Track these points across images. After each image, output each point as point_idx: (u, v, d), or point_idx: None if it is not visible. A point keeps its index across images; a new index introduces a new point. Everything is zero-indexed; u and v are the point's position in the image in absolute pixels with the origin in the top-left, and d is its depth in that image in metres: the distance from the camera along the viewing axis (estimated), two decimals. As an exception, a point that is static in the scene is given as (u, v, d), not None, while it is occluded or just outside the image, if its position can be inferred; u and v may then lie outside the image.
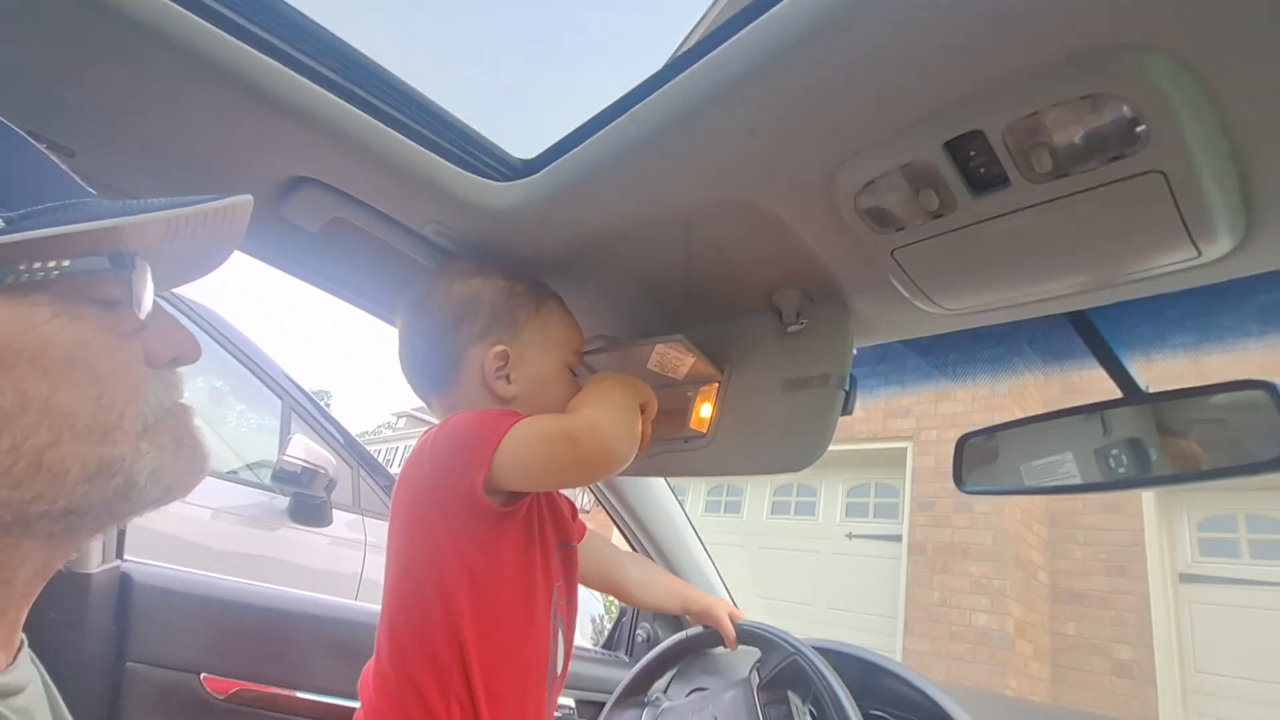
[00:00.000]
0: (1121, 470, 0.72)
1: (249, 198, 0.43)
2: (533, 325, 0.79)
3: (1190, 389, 0.68)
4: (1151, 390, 0.72)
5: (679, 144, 0.59)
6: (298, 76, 0.61)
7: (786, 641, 0.97)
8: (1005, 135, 0.47)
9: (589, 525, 0.99)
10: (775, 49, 0.48)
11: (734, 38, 0.51)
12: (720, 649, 1.14)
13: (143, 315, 0.41)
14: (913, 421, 5.57)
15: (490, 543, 0.71)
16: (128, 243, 0.40)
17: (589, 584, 1.05)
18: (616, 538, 1.42)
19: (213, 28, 0.57)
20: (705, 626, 1.12)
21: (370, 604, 1.17)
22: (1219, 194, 0.46)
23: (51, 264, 0.37)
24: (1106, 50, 0.41)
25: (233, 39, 0.58)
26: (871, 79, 0.48)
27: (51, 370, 0.37)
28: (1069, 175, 0.48)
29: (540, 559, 0.76)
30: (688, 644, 1.13)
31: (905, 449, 5.57)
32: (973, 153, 0.50)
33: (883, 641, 5.09)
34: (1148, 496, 4.71)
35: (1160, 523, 4.68)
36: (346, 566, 2.58)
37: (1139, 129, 0.43)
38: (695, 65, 0.54)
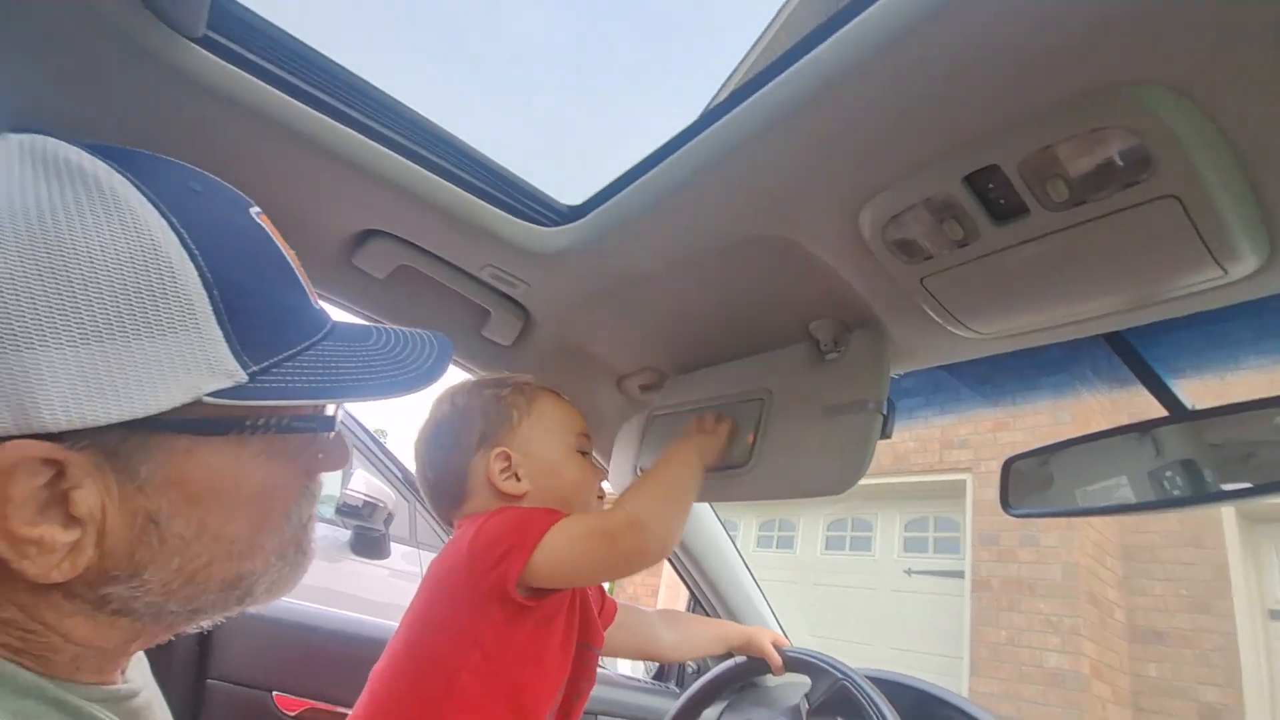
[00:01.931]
0: (1174, 489, 0.72)
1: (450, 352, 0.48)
2: (528, 421, 0.83)
3: (1237, 404, 0.67)
4: (1198, 408, 0.71)
5: (716, 186, 0.64)
6: (367, 140, 0.69)
7: (834, 667, 0.96)
8: (1020, 168, 0.50)
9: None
10: (804, 95, 0.53)
11: (766, 86, 0.56)
12: (771, 679, 1.14)
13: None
14: (971, 452, 5.39)
15: (505, 623, 0.71)
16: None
17: (624, 655, 1.05)
18: (668, 572, 1.44)
19: (294, 101, 0.65)
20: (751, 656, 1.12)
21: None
22: (1236, 215, 0.48)
23: (272, 422, 0.40)
24: (1110, 87, 0.44)
25: (310, 109, 0.66)
26: (893, 120, 0.52)
27: (233, 506, 0.40)
28: (1086, 203, 0.50)
29: (557, 654, 0.76)
30: (735, 672, 1.13)
31: (964, 481, 5.38)
32: (991, 185, 0.53)
33: (948, 683, 4.82)
34: (1230, 529, 4.41)
35: (1246, 556, 4.37)
36: (403, 599, 2.64)
37: (1148, 158, 0.46)
38: (730, 113, 0.59)
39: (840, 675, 0.94)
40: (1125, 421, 0.76)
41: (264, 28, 0.63)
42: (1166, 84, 0.43)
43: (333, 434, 0.45)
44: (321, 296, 0.96)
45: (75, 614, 0.37)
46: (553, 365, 1.02)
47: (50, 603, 0.36)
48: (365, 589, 2.56)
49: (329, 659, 1.16)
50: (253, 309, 0.39)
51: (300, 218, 0.78)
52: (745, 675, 1.13)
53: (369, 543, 2.51)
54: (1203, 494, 0.69)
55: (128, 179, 0.36)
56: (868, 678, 0.95)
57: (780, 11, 5.96)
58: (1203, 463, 0.70)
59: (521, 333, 0.96)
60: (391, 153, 0.70)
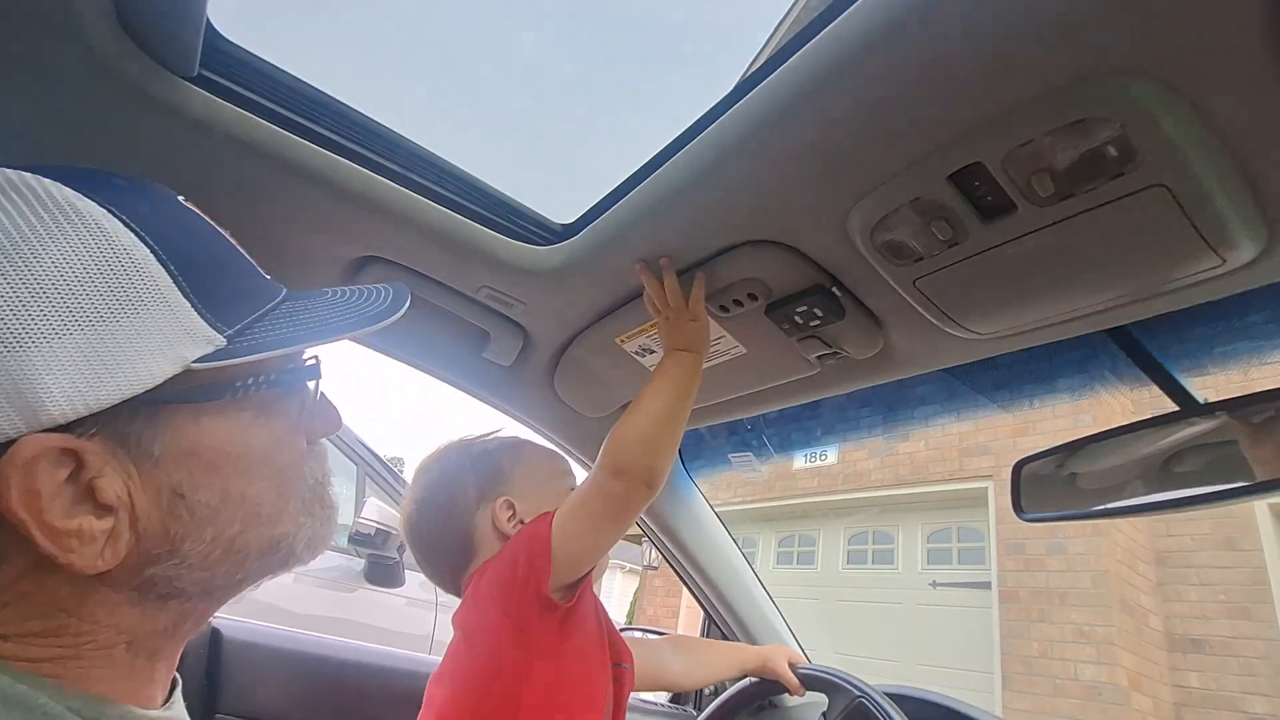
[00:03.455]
0: (1191, 485, 0.70)
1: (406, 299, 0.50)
2: (519, 469, 0.85)
3: (1250, 396, 0.65)
4: (1210, 401, 0.69)
5: (707, 195, 0.64)
6: (360, 169, 0.70)
7: (852, 684, 0.94)
8: (1004, 164, 0.50)
9: (657, 583, 0.99)
10: (785, 102, 0.53)
11: (749, 94, 0.56)
12: (788, 698, 1.12)
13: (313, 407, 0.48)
14: (991, 459, 5.30)
15: (553, 630, 0.73)
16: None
17: (637, 689, 1.03)
18: (686, 596, 1.41)
19: (288, 134, 0.66)
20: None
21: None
22: (1228, 202, 0.47)
23: (260, 379, 0.42)
24: (1088, 79, 0.44)
25: (304, 141, 0.67)
26: (874, 123, 0.52)
27: (250, 469, 0.42)
28: (1073, 196, 0.50)
29: (598, 672, 0.78)
30: (750, 693, 1.11)
31: (985, 489, 5.29)
32: (977, 183, 0.52)
33: (980, 699, 4.70)
34: (1266, 529, 4.28)
35: (1284, 558, 4.23)
36: (420, 628, 2.63)
37: (1132, 148, 0.45)
38: (715, 123, 0.60)
39: (858, 693, 0.92)
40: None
41: (255, 63, 0.65)
42: (1145, 73, 0.42)
43: (318, 391, 0.48)
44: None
45: (123, 603, 0.39)
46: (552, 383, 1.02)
47: (99, 598, 0.38)
48: (381, 618, 2.55)
49: (339, 689, 1.15)
50: (212, 279, 0.41)
51: (298, 247, 0.79)
52: (761, 695, 1.11)
53: (383, 571, 2.50)
54: (1221, 490, 0.67)
55: (66, 186, 0.39)
56: (887, 694, 0.93)
57: (776, 30, 6.03)
58: (1218, 458, 0.68)
59: (521, 352, 0.96)
60: (385, 180, 0.72)
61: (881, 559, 6.03)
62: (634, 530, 1.00)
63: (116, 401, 0.36)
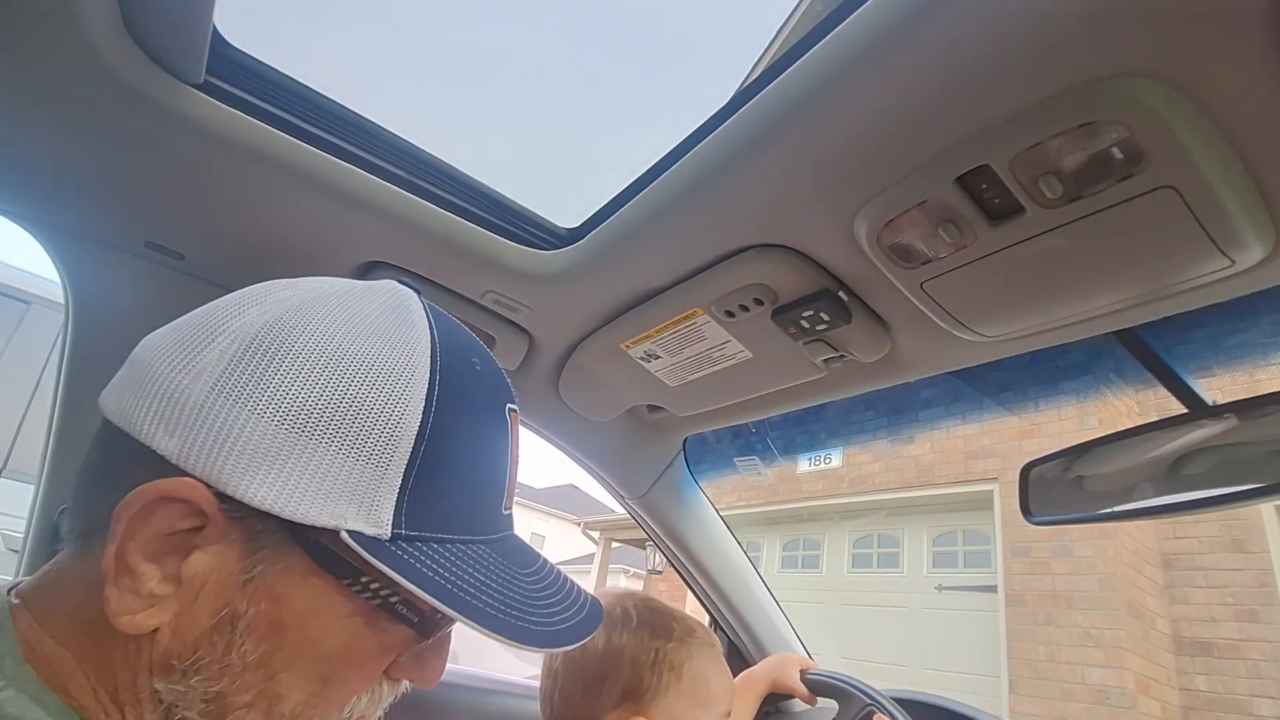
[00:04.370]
0: (1199, 488, 0.69)
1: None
2: (676, 688, 0.75)
3: (1257, 398, 0.65)
4: (1219, 403, 0.69)
5: (713, 200, 0.64)
6: (366, 174, 0.70)
7: (862, 691, 0.94)
8: (1012, 167, 0.50)
9: (661, 587, 0.96)
10: (791, 105, 0.53)
11: (755, 98, 0.56)
12: (797, 704, 1.11)
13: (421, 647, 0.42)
14: (996, 461, 5.29)
15: None
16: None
17: None
18: (690, 600, 1.41)
19: (294, 139, 0.66)
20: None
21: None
22: (1237, 202, 0.47)
23: (392, 595, 0.37)
24: (1096, 81, 0.44)
25: (310, 147, 0.67)
26: (880, 126, 0.52)
27: (305, 654, 0.37)
28: (1082, 198, 0.50)
29: None
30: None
31: (991, 491, 5.27)
32: (984, 185, 0.52)
33: (987, 703, 4.69)
34: (1274, 531, 4.26)
35: (1292, 559, 4.21)
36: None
37: (1140, 150, 0.45)
38: (721, 126, 0.60)
39: (869, 700, 0.92)
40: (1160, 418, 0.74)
41: (261, 70, 0.65)
42: (1153, 76, 0.42)
43: (429, 641, 0.42)
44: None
45: (123, 684, 0.36)
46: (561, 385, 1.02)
47: (114, 657, 0.35)
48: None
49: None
50: (441, 482, 0.38)
51: (304, 253, 0.79)
52: (769, 702, 1.10)
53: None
54: (1230, 493, 0.67)
55: (430, 320, 0.41)
56: (897, 700, 0.93)
57: (779, 33, 6.04)
58: (1227, 460, 0.68)
59: (526, 357, 0.96)
60: (390, 185, 0.72)
61: (887, 562, 6.01)
62: (639, 534, 1.00)
63: (272, 510, 0.34)
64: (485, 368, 0.43)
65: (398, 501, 0.36)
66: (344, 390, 0.36)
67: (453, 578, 0.37)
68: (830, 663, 1.19)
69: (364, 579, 0.37)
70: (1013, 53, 0.44)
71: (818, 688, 1.03)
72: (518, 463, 0.45)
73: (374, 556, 0.35)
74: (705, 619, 1.51)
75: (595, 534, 10.62)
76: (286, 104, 0.67)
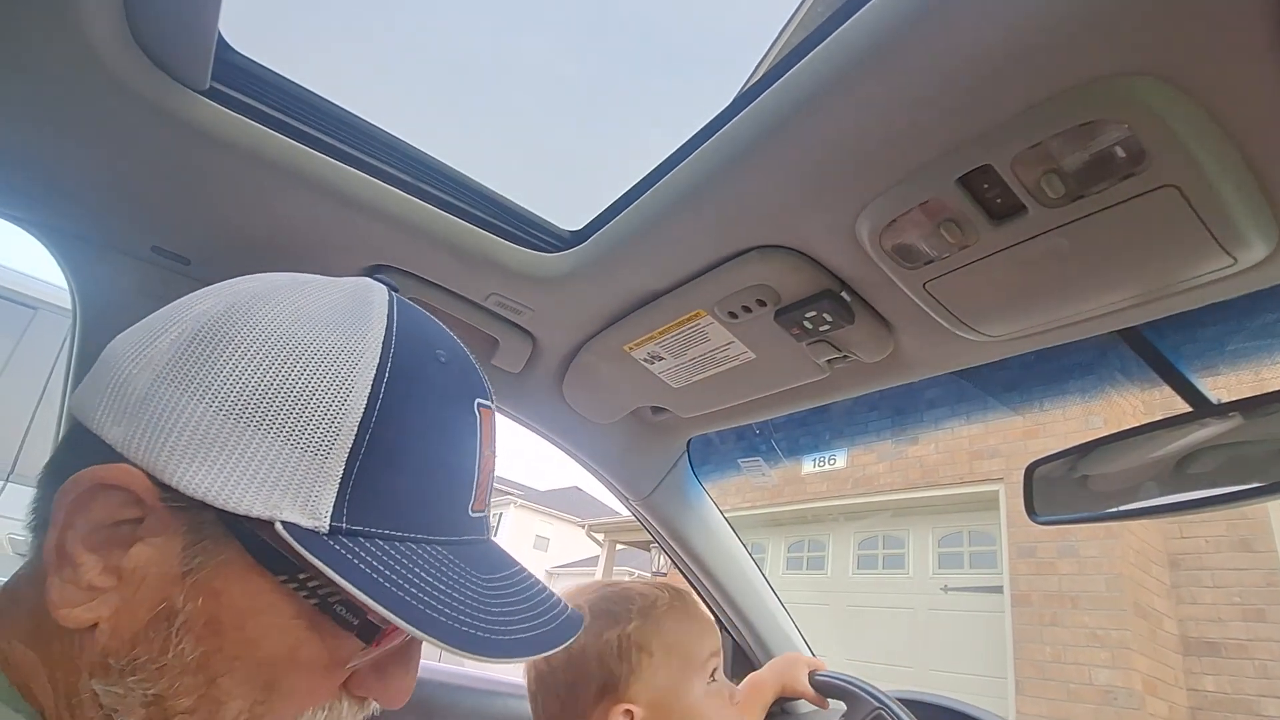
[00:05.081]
0: (1204, 486, 0.69)
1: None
2: (650, 662, 0.74)
3: (1263, 396, 0.65)
4: (1224, 401, 0.69)
5: (715, 201, 0.64)
6: (369, 178, 0.71)
7: (870, 694, 0.94)
8: (1013, 167, 0.50)
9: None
10: (792, 107, 0.53)
11: (756, 100, 0.56)
12: (804, 705, 1.11)
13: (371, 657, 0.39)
14: (1002, 462, 5.27)
15: None
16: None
17: None
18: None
19: (298, 144, 0.67)
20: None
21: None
22: (1240, 201, 0.47)
23: (333, 597, 0.35)
24: (1097, 80, 0.44)
25: (314, 152, 0.68)
26: (882, 126, 0.52)
27: (246, 655, 0.34)
28: (1084, 197, 0.50)
29: None
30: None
31: (997, 492, 5.26)
32: (986, 185, 0.52)
33: (994, 704, 4.67)
34: (1281, 530, 4.24)
35: (1300, 559, 4.18)
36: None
37: (1142, 149, 0.45)
38: (724, 128, 0.60)
39: (877, 704, 0.92)
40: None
41: (266, 76, 0.65)
42: (1154, 74, 0.42)
43: (383, 651, 0.39)
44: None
45: (87, 705, 0.34)
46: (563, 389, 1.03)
47: (55, 648, 0.34)
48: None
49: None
50: (390, 474, 0.36)
51: (308, 257, 0.80)
52: (776, 703, 1.10)
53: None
54: (1236, 491, 0.66)
55: (393, 310, 0.40)
56: (904, 700, 0.93)
57: (781, 34, 6.04)
58: (1232, 459, 0.68)
59: (529, 359, 0.96)
60: (394, 189, 0.72)
61: (892, 563, 6.00)
62: (643, 536, 1.00)
63: (211, 501, 0.33)
64: (453, 361, 0.41)
65: (339, 492, 0.34)
66: (285, 377, 0.34)
67: (395, 577, 0.34)
68: (835, 665, 1.19)
69: (302, 576, 0.34)
70: (1013, 52, 0.44)
71: (826, 689, 1.03)
72: (492, 461, 0.42)
73: (307, 549, 0.33)
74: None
75: (600, 536, 10.64)
76: (291, 109, 0.67)
